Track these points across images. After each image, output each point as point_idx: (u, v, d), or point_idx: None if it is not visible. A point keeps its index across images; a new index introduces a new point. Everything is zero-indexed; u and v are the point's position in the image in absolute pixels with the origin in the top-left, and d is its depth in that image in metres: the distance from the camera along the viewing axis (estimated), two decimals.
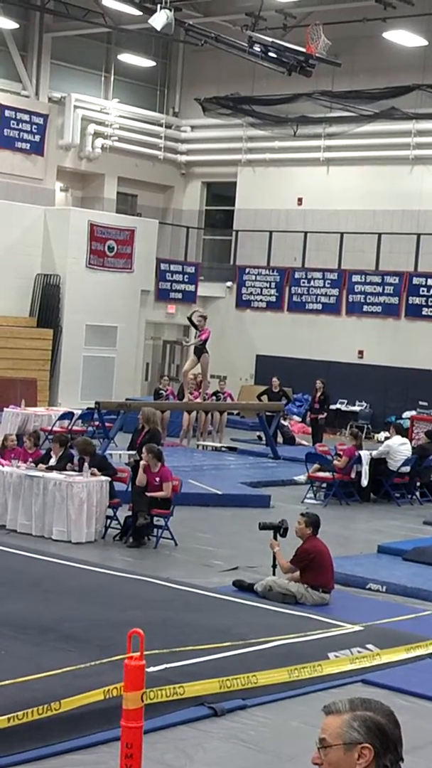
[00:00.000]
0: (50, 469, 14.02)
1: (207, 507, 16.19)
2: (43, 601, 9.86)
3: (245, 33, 25.35)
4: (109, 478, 13.76)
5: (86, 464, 13.78)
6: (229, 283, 31.63)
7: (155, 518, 13.50)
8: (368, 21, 26.23)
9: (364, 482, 17.86)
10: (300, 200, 31.05)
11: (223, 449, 23.11)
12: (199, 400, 22.86)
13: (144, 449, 13.74)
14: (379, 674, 8.35)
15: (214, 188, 34.35)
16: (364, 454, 17.97)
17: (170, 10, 22.96)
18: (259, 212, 31.66)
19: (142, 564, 12.34)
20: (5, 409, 22.15)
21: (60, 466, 14.06)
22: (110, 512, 13.71)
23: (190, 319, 22.95)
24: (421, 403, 26.81)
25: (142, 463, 13.56)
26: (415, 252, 28.48)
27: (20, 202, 28.09)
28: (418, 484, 18.77)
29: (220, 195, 34.00)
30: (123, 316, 29.00)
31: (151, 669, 6.73)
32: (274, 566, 11.11)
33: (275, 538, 11.17)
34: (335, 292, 29.61)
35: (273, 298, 30.77)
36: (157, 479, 13.45)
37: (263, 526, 11.43)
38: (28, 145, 29.31)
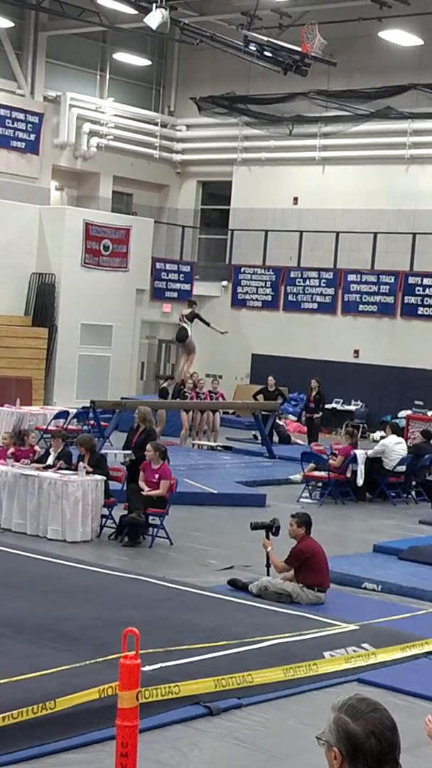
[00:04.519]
0: (46, 468, 14.02)
1: (202, 506, 16.19)
2: (38, 600, 9.84)
3: (241, 32, 25.31)
4: (105, 477, 13.76)
5: (81, 463, 13.77)
6: (224, 283, 31.61)
7: (151, 517, 13.49)
8: (364, 20, 26.21)
9: (360, 481, 17.85)
10: (295, 199, 31.04)
11: (219, 448, 23.10)
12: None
13: (149, 446, 13.73)
14: (374, 673, 8.35)
15: (210, 187, 34.33)
16: (360, 454, 17.96)
17: (166, 9, 22.91)
18: (254, 211, 31.64)
19: (138, 563, 12.34)
20: (0, 408, 22.14)
21: (59, 462, 14.08)
22: (105, 511, 13.71)
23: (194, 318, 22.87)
24: (416, 402, 26.78)
25: (146, 462, 13.59)
26: (410, 251, 28.47)
27: (15, 201, 28.04)
28: (414, 483, 18.78)
29: (216, 194, 33.98)
30: (118, 315, 28.96)
31: (147, 668, 6.73)
32: (268, 566, 11.09)
33: (267, 537, 11.16)
34: (331, 291, 29.60)
35: (269, 298, 30.75)
36: (156, 476, 13.45)
37: (255, 526, 11.42)
38: (24, 144, 29.29)
